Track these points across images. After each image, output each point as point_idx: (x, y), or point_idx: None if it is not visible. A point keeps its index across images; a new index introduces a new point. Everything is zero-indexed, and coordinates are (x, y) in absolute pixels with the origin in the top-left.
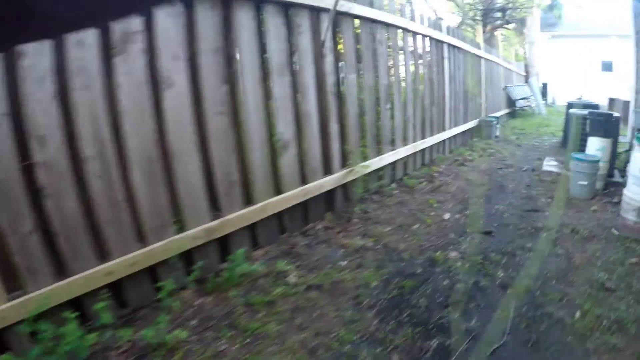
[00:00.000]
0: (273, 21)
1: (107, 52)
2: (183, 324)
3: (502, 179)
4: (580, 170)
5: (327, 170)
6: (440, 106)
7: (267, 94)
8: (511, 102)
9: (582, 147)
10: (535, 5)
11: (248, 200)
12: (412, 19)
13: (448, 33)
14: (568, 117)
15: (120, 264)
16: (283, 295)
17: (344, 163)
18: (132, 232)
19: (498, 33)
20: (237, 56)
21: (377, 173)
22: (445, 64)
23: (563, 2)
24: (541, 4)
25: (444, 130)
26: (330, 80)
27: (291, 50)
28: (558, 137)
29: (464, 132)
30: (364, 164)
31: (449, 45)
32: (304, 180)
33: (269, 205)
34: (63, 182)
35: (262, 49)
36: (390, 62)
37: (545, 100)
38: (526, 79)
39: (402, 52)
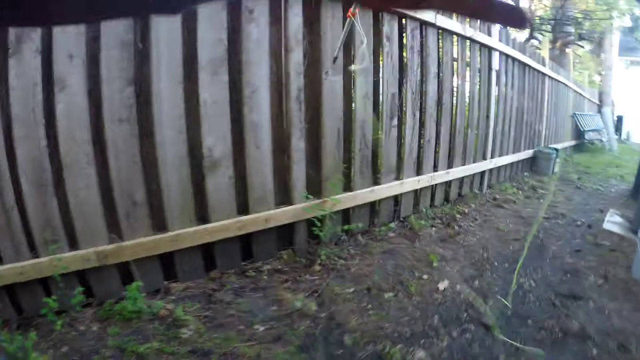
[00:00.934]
0: (206, 5)
1: (3, 53)
2: (51, 347)
3: (545, 234)
4: None
5: (284, 199)
6: (481, 128)
7: (191, 98)
8: (579, 133)
9: None
10: (615, 17)
11: (159, 226)
12: None
13: (500, 39)
14: None
15: (10, 271)
16: (159, 351)
17: (314, 192)
18: (23, 242)
19: (570, 51)
20: (153, 50)
21: (363, 209)
22: (492, 76)
23: None
24: (622, 18)
25: (483, 159)
26: (296, 82)
27: (235, 42)
28: (629, 182)
29: (512, 164)
30: (338, 197)
31: (501, 53)
32: (243, 210)
33: (185, 235)
34: None
35: (191, 40)
36: (403, 64)
37: (619, 135)
38: (599, 108)
39: (420, 51)
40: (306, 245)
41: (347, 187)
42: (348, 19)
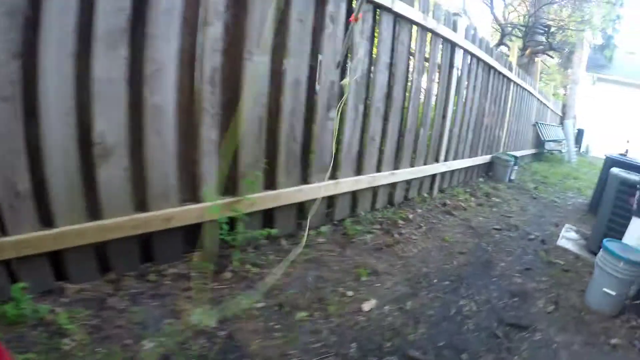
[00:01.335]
0: None
1: None
2: None
3: (494, 248)
4: (612, 271)
5: (191, 197)
6: (435, 129)
7: (83, 75)
8: (539, 143)
9: (618, 227)
10: (587, 30)
11: (45, 221)
12: None
13: (467, 37)
14: (606, 177)
15: None
16: None
17: (229, 190)
18: None
19: (539, 61)
20: (43, 18)
21: (288, 210)
22: (453, 74)
23: (617, 44)
24: (595, 33)
25: (436, 161)
26: (211, 62)
27: (141, 11)
28: (586, 196)
29: (468, 169)
30: (255, 195)
31: (465, 51)
32: (140, 206)
33: (73, 232)
34: None
35: (88, 6)
36: (348, 50)
37: (579, 147)
38: (561, 120)
39: (371, 37)
40: (218, 249)
41: (270, 185)
42: None
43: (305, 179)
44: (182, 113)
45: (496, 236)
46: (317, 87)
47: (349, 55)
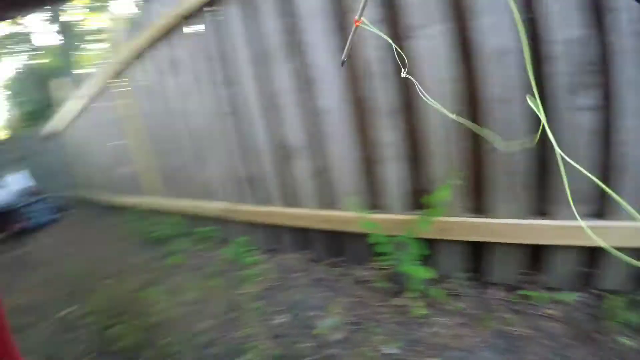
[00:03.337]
0: None
1: None
2: None
3: None
4: None
5: (377, 203)
6: None
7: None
8: None
9: None
10: None
11: (259, 200)
12: None
13: None
14: None
15: None
16: None
17: (413, 205)
18: None
19: None
20: None
21: (508, 250)
22: None
23: None
24: None
25: None
26: (372, 50)
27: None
28: None
29: None
30: (447, 219)
31: None
32: (326, 204)
33: (280, 212)
34: None
35: None
36: None
37: None
38: None
39: None
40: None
41: (476, 209)
42: None
43: (540, 210)
44: (351, 114)
45: None
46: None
47: None
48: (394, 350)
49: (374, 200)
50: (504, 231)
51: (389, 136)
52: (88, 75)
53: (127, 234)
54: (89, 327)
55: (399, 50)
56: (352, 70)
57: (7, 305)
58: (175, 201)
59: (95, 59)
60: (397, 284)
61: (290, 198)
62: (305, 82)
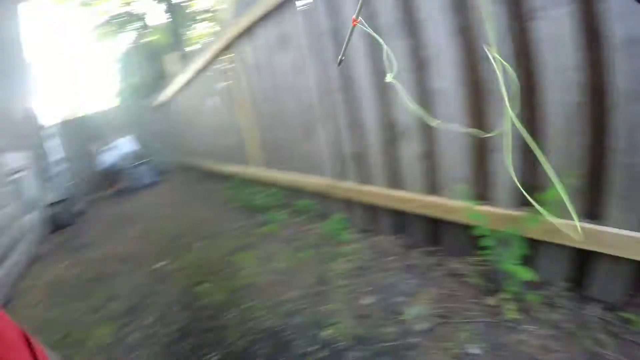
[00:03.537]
0: None
1: None
2: None
3: None
4: None
5: (483, 194)
6: None
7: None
8: None
9: None
10: None
11: (363, 179)
12: None
13: None
14: None
15: None
16: None
17: (522, 201)
18: None
19: None
20: None
21: (618, 266)
22: None
23: None
24: None
25: None
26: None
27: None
28: None
29: None
30: (561, 221)
31: None
32: (431, 189)
33: (380, 193)
34: None
35: None
36: None
37: None
38: None
39: None
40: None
41: (592, 214)
42: None
43: None
44: (465, 97)
45: None
46: None
47: None
48: (476, 351)
49: (481, 190)
50: (616, 242)
51: (503, 124)
52: (197, 51)
53: (225, 200)
54: (178, 282)
55: (398, 50)
56: (469, 51)
57: (108, 253)
58: (276, 173)
59: (203, 37)
60: (493, 282)
61: (393, 179)
62: (418, 62)
